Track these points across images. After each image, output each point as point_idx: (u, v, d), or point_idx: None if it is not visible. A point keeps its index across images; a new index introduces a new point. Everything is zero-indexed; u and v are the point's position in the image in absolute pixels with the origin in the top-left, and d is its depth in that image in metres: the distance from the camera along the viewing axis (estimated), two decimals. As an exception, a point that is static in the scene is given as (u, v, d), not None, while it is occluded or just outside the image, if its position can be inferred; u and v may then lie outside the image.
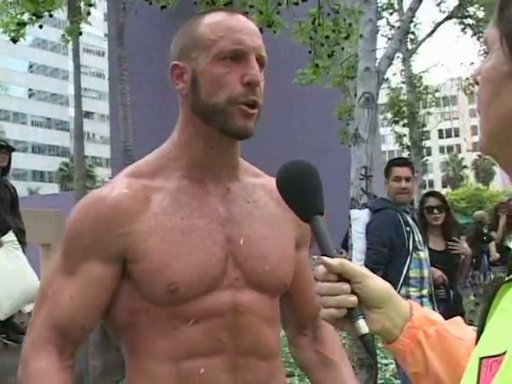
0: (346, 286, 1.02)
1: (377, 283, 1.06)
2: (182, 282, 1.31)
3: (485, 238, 10.48)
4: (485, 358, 0.74)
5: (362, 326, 1.01)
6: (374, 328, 1.03)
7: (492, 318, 0.80)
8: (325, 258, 1.04)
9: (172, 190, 1.38)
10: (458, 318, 1.13)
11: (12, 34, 6.65)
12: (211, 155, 1.39)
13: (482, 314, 0.84)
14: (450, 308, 4.49)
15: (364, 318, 1.02)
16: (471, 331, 1.07)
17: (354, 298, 1.02)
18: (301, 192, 1.11)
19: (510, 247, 9.55)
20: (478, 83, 0.87)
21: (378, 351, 7.14)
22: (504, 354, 0.70)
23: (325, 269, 1.03)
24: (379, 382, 6.09)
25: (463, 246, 4.91)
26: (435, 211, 4.87)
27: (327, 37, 7.62)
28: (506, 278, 0.80)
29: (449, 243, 4.85)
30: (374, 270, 3.86)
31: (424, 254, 4.34)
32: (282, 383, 1.49)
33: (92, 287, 1.33)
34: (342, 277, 1.03)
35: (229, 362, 1.35)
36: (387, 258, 4.23)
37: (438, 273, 4.64)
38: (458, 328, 1.08)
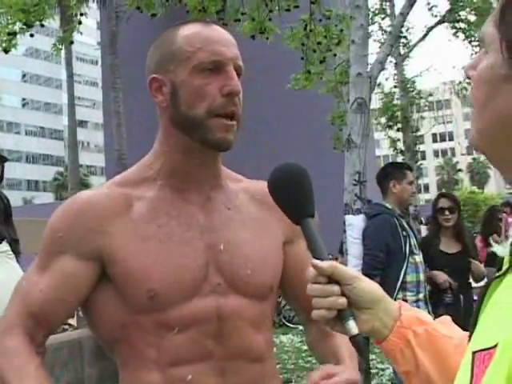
0: (335, 288, 1.05)
1: (366, 285, 1.08)
2: (161, 289, 1.32)
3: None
4: (477, 351, 0.75)
5: (352, 326, 1.04)
6: (364, 328, 1.06)
7: (484, 313, 0.82)
8: (315, 261, 1.06)
9: (151, 199, 1.39)
10: (447, 318, 1.15)
11: (4, 45, 6.65)
12: (192, 166, 1.40)
13: (475, 311, 0.86)
14: (459, 312, 4.43)
15: (354, 319, 1.05)
16: (460, 330, 1.11)
17: (343, 300, 1.04)
18: (292, 194, 1.12)
19: (496, 252, 9.51)
20: (469, 77, 0.88)
21: (374, 356, 7.15)
22: (495, 346, 0.71)
23: (315, 271, 1.06)
24: (376, 387, 6.09)
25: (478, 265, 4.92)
26: (446, 213, 4.86)
27: (319, 43, 7.64)
28: (496, 274, 0.82)
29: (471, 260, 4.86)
30: (371, 276, 3.86)
31: (419, 258, 4.36)
32: None
33: (63, 282, 1.34)
34: (332, 279, 1.05)
35: (217, 366, 1.36)
36: (384, 263, 4.24)
37: (444, 277, 4.63)
38: (446, 327, 1.11)
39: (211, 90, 1.33)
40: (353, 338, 1.04)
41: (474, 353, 0.76)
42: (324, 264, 1.05)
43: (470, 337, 0.85)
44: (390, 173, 4.52)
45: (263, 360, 1.44)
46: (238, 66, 1.38)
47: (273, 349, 1.53)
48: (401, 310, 1.09)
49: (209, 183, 1.44)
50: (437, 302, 4.58)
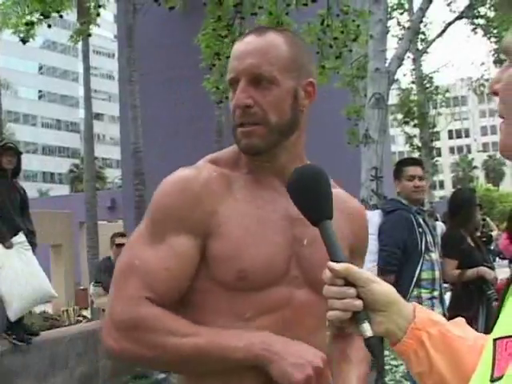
0: (351, 291, 1.07)
1: (381, 287, 1.10)
2: (250, 272, 1.36)
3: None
4: (499, 339, 0.77)
5: (367, 329, 1.06)
6: (378, 330, 1.08)
7: (506, 305, 0.85)
8: (330, 263, 1.10)
9: (247, 181, 1.46)
10: (461, 319, 1.17)
11: (21, 35, 6.68)
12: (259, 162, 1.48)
13: (498, 305, 0.88)
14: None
15: (369, 321, 1.07)
16: (473, 332, 1.13)
17: (359, 302, 1.07)
18: (311, 196, 1.17)
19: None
20: (495, 93, 0.88)
21: (388, 352, 7.12)
22: None
23: (331, 273, 1.09)
24: (390, 383, 6.07)
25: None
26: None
27: (336, 38, 7.61)
28: None
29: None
30: (387, 272, 3.83)
31: (435, 255, 4.33)
32: None
33: (181, 260, 1.36)
34: (348, 281, 1.08)
35: None
36: (400, 259, 4.22)
37: (493, 273, 4.70)
38: (460, 328, 1.13)
39: (232, 105, 1.44)
40: (367, 341, 1.06)
41: (495, 340, 0.78)
42: (339, 266, 1.08)
43: (492, 327, 0.86)
44: (394, 171, 4.52)
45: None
46: (255, 74, 1.42)
47: (326, 346, 1.53)
48: (415, 311, 1.11)
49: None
50: (482, 298, 4.66)
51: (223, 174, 1.45)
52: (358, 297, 1.07)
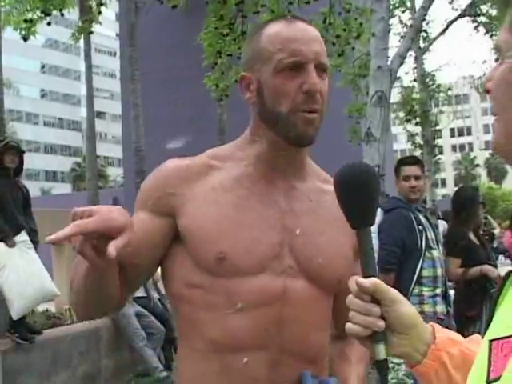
0: (376, 309, 1.02)
1: (406, 309, 1.05)
2: (230, 254, 1.37)
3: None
4: (494, 340, 0.76)
5: (381, 351, 1.02)
6: (393, 351, 1.04)
7: (502, 305, 0.83)
8: (359, 279, 1.03)
9: (236, 173, 1.46)
10: (477, 336, 1.14)
11: (23, 32, 6.68)
12: (277, 157, 1.46)
13: (493, 303, 0.86)
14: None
15: (385, 342, 1.03)
16: None
17: (382, 323, 1.02)
18: (361, 199, 1.08)
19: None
20: (488, 91, 0.87)
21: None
22: None
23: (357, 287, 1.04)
24: (392, 381, 6.07)
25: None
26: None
27: (338, 36, 7.61)
28: None
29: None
30: (386, 270, 3.83)
31: (437, 253, 4.31)
32: None
33: (140, 232, 1.39)
34: (373, 297, 1.03)
35: (271, 357, 1.38)
36: (400, 257, 4.21)
37: (496, 271, 4.71)
38: (478, 345, 1.09)
39: (291, 89, 1.39)
40: (378, 362, 1.02)
41: (490, 341, 0.76)
42: (367, 282, 1.03)
43: (486, 327, 0.85)
44: (394, 169, 4.52)
45: (318, 361, 1.46)
46: (321, 63, 1.41)
47: (327, 347, 1.53)
48: (434, 333, 1.07)
49: (294, 174, 1.49)
50: (485, 296, 4.66)
51: (208, 164, 1.47)
52: (381, 316, 1.02)
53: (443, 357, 1.05)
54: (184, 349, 1.46)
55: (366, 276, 1.04)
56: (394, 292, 1.05)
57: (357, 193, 1.08)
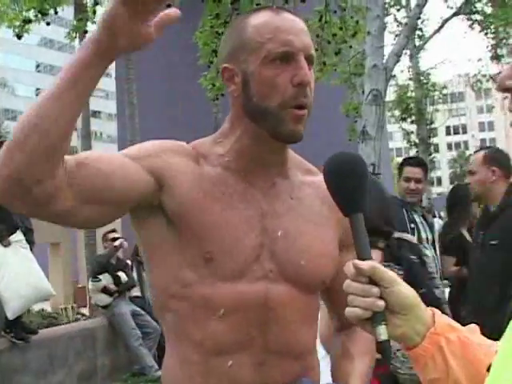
0: (375, 290, 1.03)
1: (405, 290, 1.06)
2: (217, 254, 1.32)
3: None
4: None
5: (382, 332, 1.02)
6: (394, 333, 1.04)
7: None
8: (356, 261, 1.04)
9: (218, 170, 1.40)
10: (474, 326, 1.14)
11: (16, 30, 6.67)
12: (259, 152, 1.40)
13: None
14: None
15: (386, 323, 1.03)
16: (486, 339, 1.10)
17: (381, 303, 1.02)
18: (350, 185, 1.08)
19: None
20: (507, 90, 0.86)
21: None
22: None
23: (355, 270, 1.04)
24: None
25: None
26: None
27: (334, 34, 7.60)
28: None
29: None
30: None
31: (430, 253, 4.29)
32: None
33: (121, 171, 1.30)
34: (372, 279, 1.03)
35: (256, 358, 1.35)
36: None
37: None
38: (477, 335, 1.10)
39: (281, 81, 1.32)
40: (380, 343, 1.03)
41: None
42: (365, 264, 1.03)
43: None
44: (398, 167, 4.50)
45: (305, 357, 1.44)
46: (309, 56, 1.36)
47: (316, 344, 1.52)
48: (434, 317, 1.07)
49: (276, 169, 1.43)
50: None
51: (195, 154, 1.41)
52: (380, 297, 1.03)
53: (441, 341, 1.04)
54: (170, 352, 1.44)
55: (361, 259, 1.05)
56: (392, 273, 1.06)
57: (344, 179, 1.08)
